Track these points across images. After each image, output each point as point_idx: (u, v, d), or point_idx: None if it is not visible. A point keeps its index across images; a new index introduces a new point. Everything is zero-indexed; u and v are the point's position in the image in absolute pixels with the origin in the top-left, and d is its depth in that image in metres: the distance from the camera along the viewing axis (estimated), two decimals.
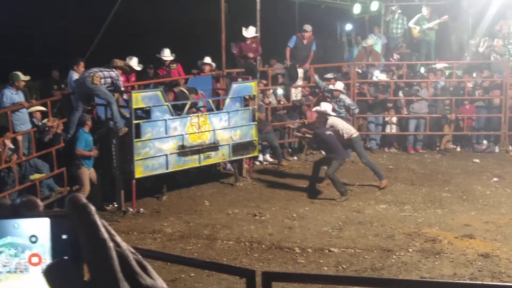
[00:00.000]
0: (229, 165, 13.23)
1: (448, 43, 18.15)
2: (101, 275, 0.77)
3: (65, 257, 0.80)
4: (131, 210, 10.92)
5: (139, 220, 10.52)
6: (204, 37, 17.93)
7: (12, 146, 10.46)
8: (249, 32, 14.05)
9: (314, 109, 13.02)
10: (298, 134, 13.13)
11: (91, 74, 10.79)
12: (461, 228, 9.65)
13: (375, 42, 17.40)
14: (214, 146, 11.87)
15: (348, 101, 13.47)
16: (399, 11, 18.44)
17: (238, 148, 12.27)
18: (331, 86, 13.82)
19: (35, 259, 0.81)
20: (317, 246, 9.01)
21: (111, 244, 0.79)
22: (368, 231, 9.66)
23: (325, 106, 12.21)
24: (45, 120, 11.18)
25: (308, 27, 15.01)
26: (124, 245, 0.82)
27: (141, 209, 11.02)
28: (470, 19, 17.78)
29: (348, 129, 12.00)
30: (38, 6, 21.57)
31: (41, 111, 11.32)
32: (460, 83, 15.71)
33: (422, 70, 16.96)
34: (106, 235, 0.79)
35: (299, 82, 15.14)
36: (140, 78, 12.93)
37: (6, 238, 0.81)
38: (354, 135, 12.01)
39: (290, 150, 15.13)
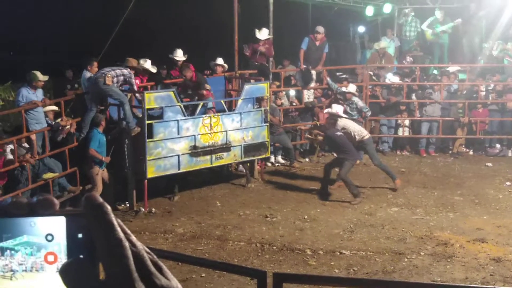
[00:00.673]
0: (240, 166, 13.24)
1: (461, 46, 18.07)
2: (116, 274, 0.77)
3: (81, 256, 0.80)
4: (143, 210, 10.96)
5: (151, 220, 10.55)
6: (216, 38, 17.99)
7: (26, 145, 10.53)
8: (262, 34, 14.05)
9: (325, 110, 13.02)
10: (310, 136, 13.13)
11: (103, 74, 10.83)
12: (473, 232, 9.61)
13: (388, 45, 17.35)
14: (226, 147, 11.88)
15: (360, 103, 13.45)
16: (412, 13, 18.40)
17: (250, 149, 12.28)
18: (343, 89, 13.80)
19: (51, 258, 0.81)
20: (328, 248, 9.00)
21: (126, 244, 0.79)
22: (379, 233, 9.64)
23: (337, 108, 12.21)
24: (58, 120, 11.24)
25: (320, 29, 14.99)
26: (139, 245, 0.82)
27: (153, 209, 11.05)
28: (483, 22, 17.69)
29: (359, 131, 11.98)
30: (52, 7, 21.73)
31: (54, 111, 11.37)
32: (473, 87, 15.64)
33: (435, 72, 16.88)
34: (122, 235, 0.80)
35: (312, 84, 15.13)
36: (153, 79, 12.96)
37: (23, 237, 0.81)
38: (366, 137, 11.98)
39: (301, 151, 15.13)
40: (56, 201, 0.82)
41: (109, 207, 0.81)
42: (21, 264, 0.81)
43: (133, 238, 0.82)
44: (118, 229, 0.80)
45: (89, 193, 0.83)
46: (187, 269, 7.94)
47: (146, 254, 0.82)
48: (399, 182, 12.03)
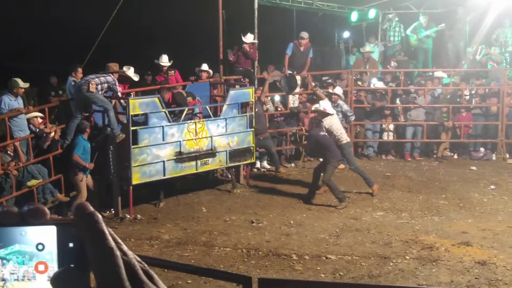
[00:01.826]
0: (226, 172, 13.23)
1: (445, 51, 18.19)
2: (108, 283, 0.77)
3: (72, 265, 0.80)
4: (128, 216, 10.92)
5: (136, 227, 10.51)
6: (201, 44, 17.98)
7: (11, 154, 10.47)
8: (247, 38, 14.07)
9: (313, 107, 12.97)
10: (296, 141, 13.14)
11: (87, 82, 10.78)
12: (458, 236, 9.66)
13: (372, 49, 17.44)
14: (211, 153, 11.87)
15: (345, 107, 13.45)
16: (396, 19, 18.53)
17: (235, 154, 12.28)
18: (329, 90, 13.83)
19: (41, 267, 0.81)
20: (314, 253, 9.01)
21: (118, 253, 0.79)
22: (365, 238, 9.66)
23: (324, 104, 12.15)
24: (42, 127, 11.19)
25: (305, 34, 15.04)
26: (130, 253, 0.82)
27: (138, 216, 11.01)
28: (467, 27, 17.83)
29: (340, 135, 11.97)
30: (36, 12, 21.62)
31: (38, 117, 11.31)
32: (457, 91, 15.74)
33: (420, 76, 16.99)
34: (113, 244, 0.79)
35: (297, 89, 15.16)
36: (137, 85, 12.92)
37: (14, 246, 0.80)
38: (344, 142, 11.97)
39: (287, 157, 15.14)
40: (47, 210, 0.82)
41: (100, 216, 0.81)
42: (12, 273, 0.81)
43: (124, 247, 0.82)
44: (110, 238, 0.80)
45: (80, 202, 0.83)
46: (173, 275, 7.92)
47: (137, 263, 0.82)
48: (377, 188, 12.08)
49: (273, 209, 11.35)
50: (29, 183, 10.52)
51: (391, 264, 8.54)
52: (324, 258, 8.81)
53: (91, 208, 0.81)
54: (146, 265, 0.84)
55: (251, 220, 10.65)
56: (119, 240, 0.82)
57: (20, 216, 0.81)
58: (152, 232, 10.11)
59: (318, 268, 8.46)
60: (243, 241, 9.59)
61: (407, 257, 8.77)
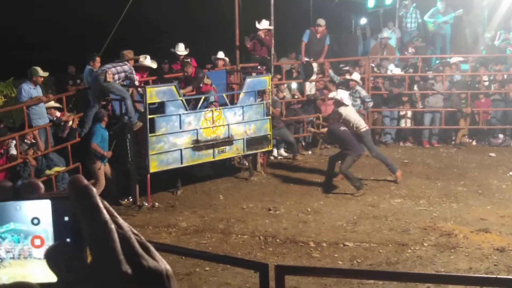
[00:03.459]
0: (243, 160, 13.25)
1: (464, 36, 18.02)
2: (102, 257, 0.77)
3: (67, 240, 0.80)
4: (146, 204, 10.97)
5: (154, 215, 10.57)
6: (217, 31, 17.96)
7: (30, 142, 10.56)
8: (262, 24, 14.02)
9: (330, 94, 12.90)
10: (312, 129, 13.11)
11: (104, 71, 10.83)
12: (476, 222, 9.60)
13: (390, 35, 17.32)
14: (228, 141, 11.88)
15: (363, 93, 13.32)
16: (413, 5, 18.35)
17: (252, 142, 12.28)
18: (347, 76, 13.76)
19: (37, 241, 0.80)
20: (332, 240, 9.00)
21: (112, 226, 0.79)
22: (383, 225, 9.64)
23: (341, 94, 12.08)
24: (58, 114, 11.30)
25: (321, 21, 14.97)
26: (126, 226, 0.81)
27: (156, 204, 11.07)
28: (485, 12, 17.63)
29: (358, 123, 11.91)
30: (54, 3, 21.73)
31: (56, 108, 11.41)
32: (475, 77, 15.60)
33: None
34: (107, 217, 0.79)
35: (313, 76, 15.11)
36: (154, 73, 12.95)
37: (10, 224, 0.80)
38: (362, 130, 11.90)
39: (304, 144, 15.12)
40: (41, 185, 0.81)
41: (94, 189, 0.80)
42: (8, 252, 0.81)
43: (120, 220, 0.81)
44: (104, 211, 0.79)
45: (74, 175, 0.82)
46: (191, 263, 7.96)
47: (133, 236, 0.82)
48: (400, 174, 12.00)
49: (290, 196, 11.36)
50: (48, 172, 10.62)
51: (409, 251, 8.52)
52: (342, 245, 8.80)
53: (85, 181, 0.80)
54: (142, 238, 0.83)
55: (268, 207, 10.66)
56: (115, 213, 0.81)
57: (14, 191, 0.80)
58: (170, 220, 10.17)
59: (336, 255, 8.46)
60: (261, 228, 9.61)
61: (425, 244, 8.74)
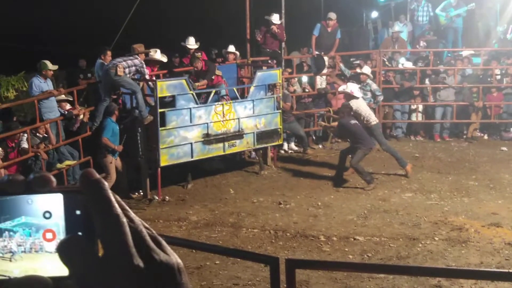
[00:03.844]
0: (253, 154, 13.24)
1: (476, 30, 17.90)
2: (114, 250, 0.77)
3: (79, 233, 0.80)
4: (157, 198, 10.99)
5: (165, 208, 10.59)
6: (228, 25, 17.94)
7: (42, 135, 10.61)
8: (273, 18, 13.99)
9: (340, 88, 12.87)
10: (323, 123, 13.09)
11: (115, 65, 10.84)
12: (488, 217, 9.55)
13: (401, 29, 17.24)
14: (238, 134, 11.88)
15: (374, 86, 13.26)
16: None
17: (262, 136, 12.27)
18: (357, 69, 13.71)
19: (49, 235, 0.81)
20: (342, 234, 8.99)
21: (124, 220, 0.79)
22: (393, 219, 9.61)
23: (351, 87, 12.03)
24: (68, 106, 11.35)
25: (332, 15, 14.91)
26: (137, 220, 0.81)
27: (167, 197, 11.09)
28: (498, 6, 17.51)
29: (368, 116, 11.87)
30: None
31: (67, 101, 11.45)
32: (487, 71, 15.50)
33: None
34: (119, 211, 0.79)
35: (324, 70, 15.07)
36: (165, 67, 12.96)
37: (21, 218, 0.80)
38: (373, 123, 11.86)
39: (315, 138, 15.10)
40: (53, 178, 0.81)
41: (106, 183, 0.80)
42: (20, 245, 0.81)
43: (131, 213, 0.81)
44: (116, 204, 0.79)
45: (85, 169, 0.82)
46: (201, 256, 7.98)
47: (144, 230, 0.81)
48: (410, 167, 11.96)
49: (300, 190, 11.35)
50: (59, 165, 10.67)
51: (420, 245, 8.49)
52: (352, 239, 8.79)
53: (97, 175, 0.80)
54: (154, 231, 0.83)
55: (278, 201, 10.66)
56: (126, 207, 0.81)
57: (26, 184, 0.80)
58: (180, 214, 10.19)
59: (346, 249, 8.45)
60: (271, 222, 9.62)
61: (436, 239, 8.71)
